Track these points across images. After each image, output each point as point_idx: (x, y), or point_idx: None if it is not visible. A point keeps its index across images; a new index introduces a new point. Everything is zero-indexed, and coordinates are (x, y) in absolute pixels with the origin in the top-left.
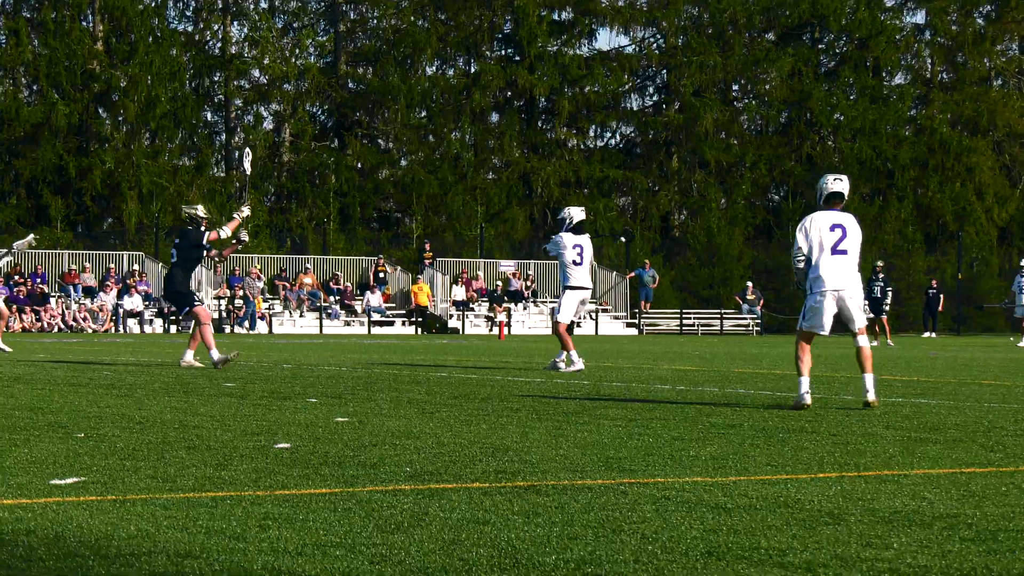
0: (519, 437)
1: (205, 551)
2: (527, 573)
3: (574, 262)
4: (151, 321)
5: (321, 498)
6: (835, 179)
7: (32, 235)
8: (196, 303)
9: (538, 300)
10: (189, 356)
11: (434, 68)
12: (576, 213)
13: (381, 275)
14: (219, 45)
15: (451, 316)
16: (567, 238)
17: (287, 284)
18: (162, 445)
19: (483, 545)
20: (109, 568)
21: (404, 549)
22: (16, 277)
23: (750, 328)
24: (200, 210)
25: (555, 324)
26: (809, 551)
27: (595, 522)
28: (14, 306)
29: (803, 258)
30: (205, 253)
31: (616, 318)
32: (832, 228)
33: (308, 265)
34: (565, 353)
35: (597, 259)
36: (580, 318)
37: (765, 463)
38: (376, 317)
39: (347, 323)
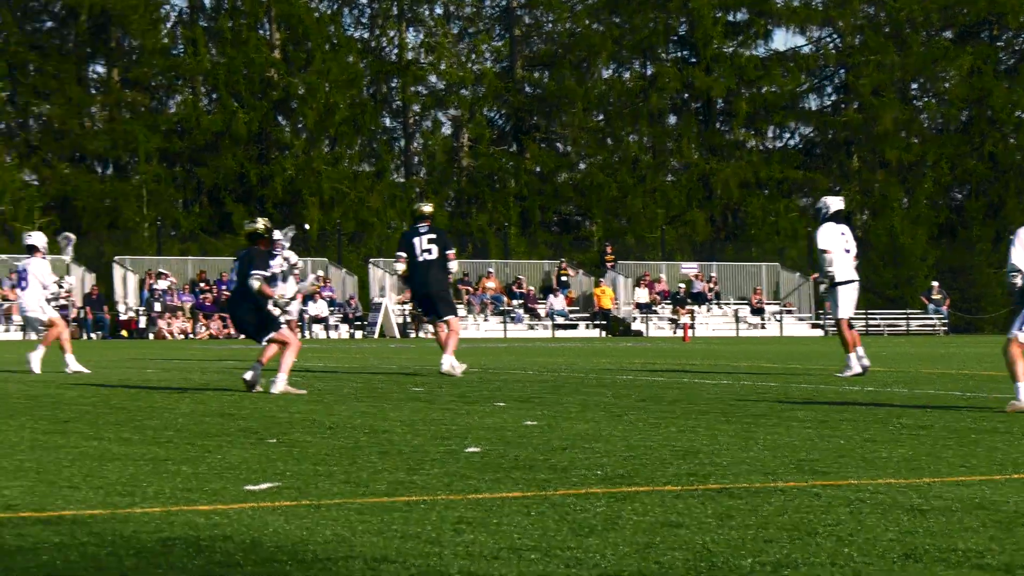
0: (709, 439)
1: (401, 555)
2: None
3: (845, 250)
4: (336, 326)
5: (514, 502)
6: None
7: (313, 276)
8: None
9: (721, 302)
10: (450, 362)
11: (610, 71)
12: (833, 202)
13: (564, 278)
14: (395, 51)
15: (634, 319)
16: (827, 230)
17: (470, 288)
18: (354, 450)
19: (678, 548)
20: (307, 573)
21: (599, 552)
22: (202, 284)
23: (936, 328)
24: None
25: (838, 324)
26: (1007, 553)
27: (789, 524)
28: (200, 313)
29: (1019, 274)
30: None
31: (801, 319)
32: None
33: (491, 269)
34: (852, 354)
35: (779, 260)
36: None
37: (959, 464)
38: (560, 320)
39: (531, 327)
